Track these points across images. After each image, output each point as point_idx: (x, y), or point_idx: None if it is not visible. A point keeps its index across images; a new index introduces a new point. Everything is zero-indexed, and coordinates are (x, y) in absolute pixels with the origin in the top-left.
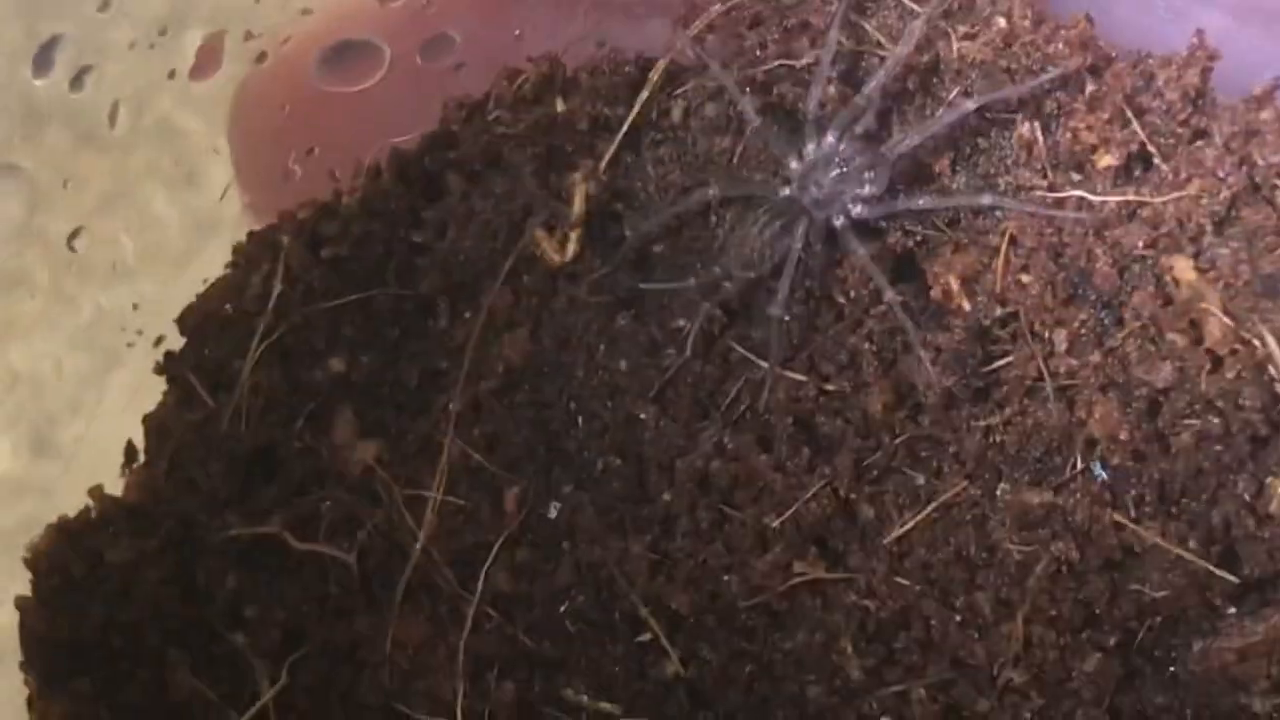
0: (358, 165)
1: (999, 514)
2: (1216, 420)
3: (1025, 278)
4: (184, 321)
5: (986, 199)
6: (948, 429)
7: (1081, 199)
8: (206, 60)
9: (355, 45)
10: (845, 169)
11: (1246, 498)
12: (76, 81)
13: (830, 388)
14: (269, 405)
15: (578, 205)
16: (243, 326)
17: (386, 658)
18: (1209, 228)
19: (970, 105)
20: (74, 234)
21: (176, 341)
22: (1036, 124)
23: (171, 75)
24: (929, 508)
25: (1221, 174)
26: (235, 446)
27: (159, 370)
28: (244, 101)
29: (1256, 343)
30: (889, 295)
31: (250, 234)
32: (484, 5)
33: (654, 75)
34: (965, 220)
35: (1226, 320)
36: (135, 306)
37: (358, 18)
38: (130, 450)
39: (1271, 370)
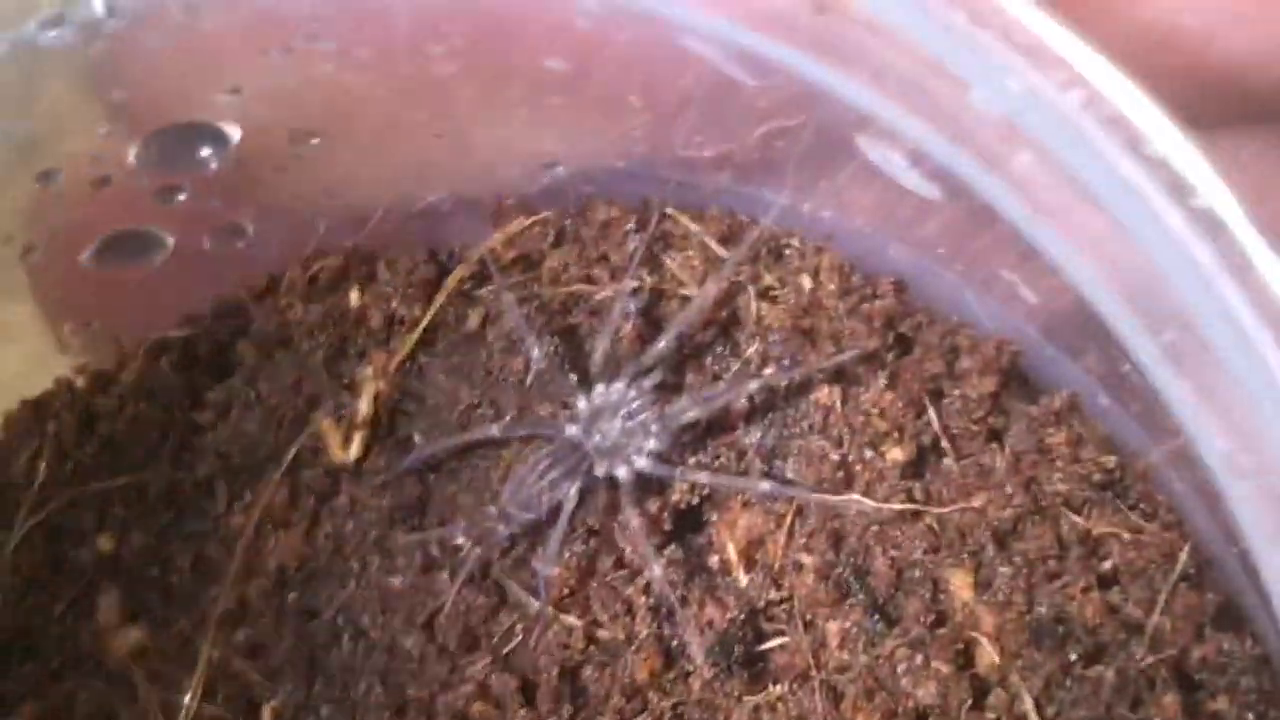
0: (139, 342)
1: None
2: None
3: (805, 559)
4: None
5: (765, 486)
6: (719, 695)
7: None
8: None
9: (136, 234)
10: (631, 421)
11: None
12: None
13: (603, 636)
14: (30, 585)
15: (365, 404)
16: (9, 499)
17: None
18: (991, 545)
19: (753, 385)
20: None
21: None
22: (836, 390)
23: None
24: None
25: (1009, 490)
26: None
27: None
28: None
29: (1021, 693)
30: (655, 572)
31: (22, 403)
32: (274, 206)
33: (451, 281)
34: None
35: (995, 655)
36: None
37: (136, 211)
38: None
39: None
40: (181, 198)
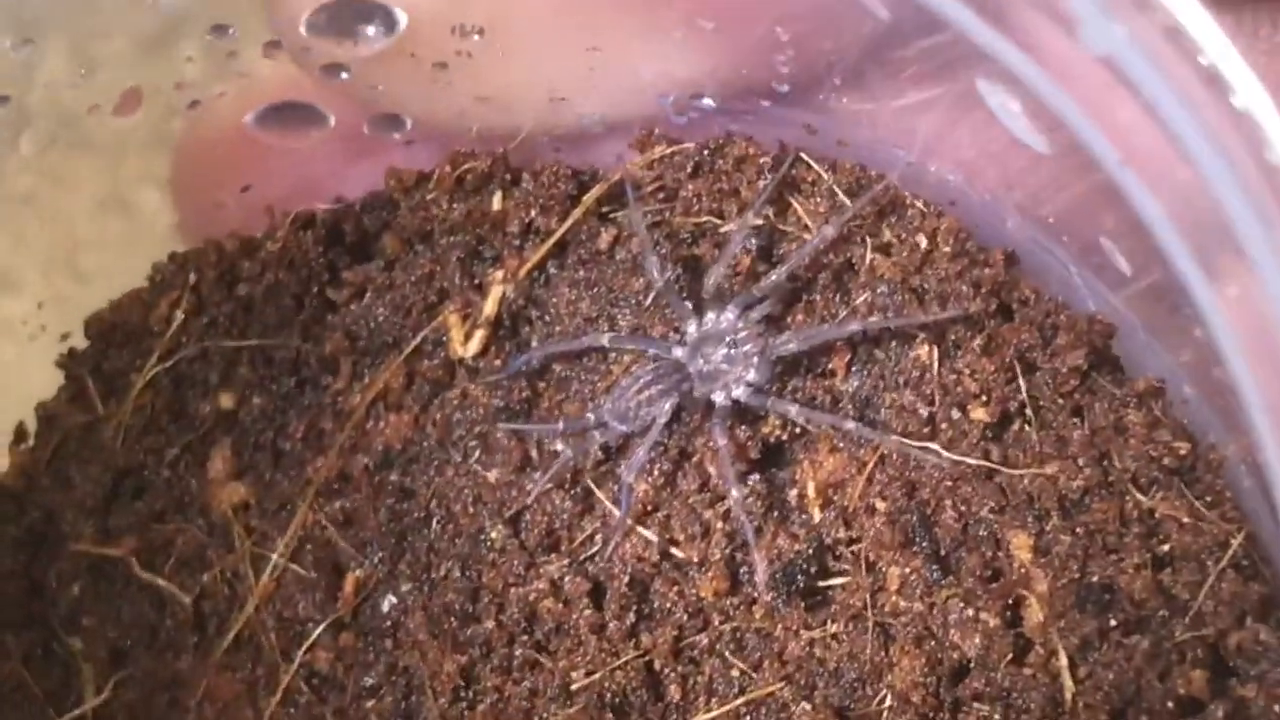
0: (286, 213)
1: None
2: (999, 716)
3: (878, 504)
4: (90, 326)
5: (850, 425)
6: (777, 627)
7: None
8: (130, 101)
9: (300, 106)
10: (733, 350)
11: None
12: None
13: (676, 554)
14: (150, 428)
15: (490, 305)
16: (144, 344)
17: (196, 704)
18: (1056, 512)
19: (855, 327)
20: None
21: (82, 342)
22: (935, 350)
23: (92, 110)
24: (738, 700)
25: (1081, 462)
26: (112, 458)
27: (59, 364)
28: (184, 136)
29: (1058, 651)
30: (734, 495)
31: (172, 255)
32: (432, 104)
33: (588, 199)
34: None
35: (1041, 615)
36: (40, 305)
37: (300, 84)
38: (20, 431)
39: (1062, 683)
40: (344, 76)
